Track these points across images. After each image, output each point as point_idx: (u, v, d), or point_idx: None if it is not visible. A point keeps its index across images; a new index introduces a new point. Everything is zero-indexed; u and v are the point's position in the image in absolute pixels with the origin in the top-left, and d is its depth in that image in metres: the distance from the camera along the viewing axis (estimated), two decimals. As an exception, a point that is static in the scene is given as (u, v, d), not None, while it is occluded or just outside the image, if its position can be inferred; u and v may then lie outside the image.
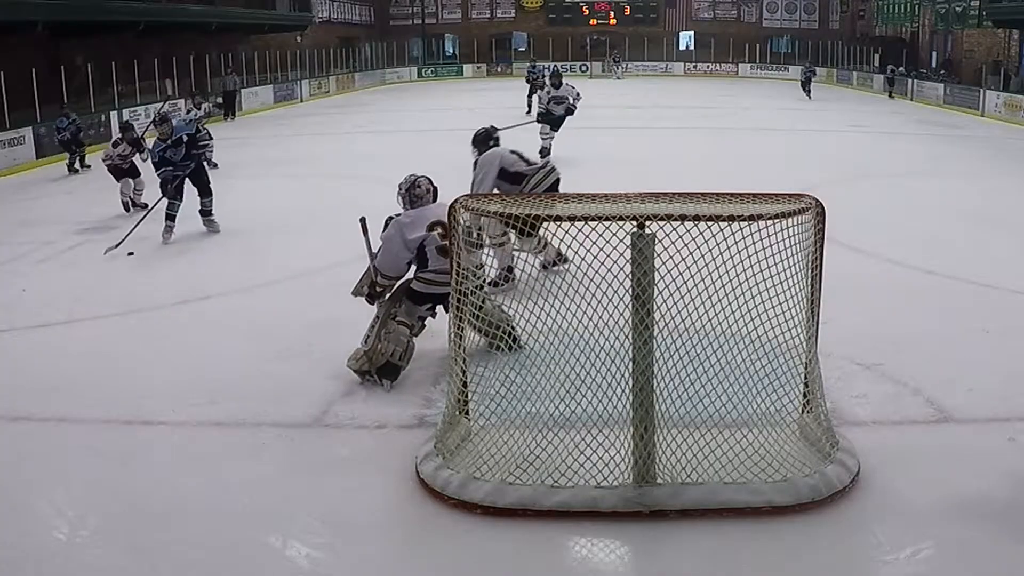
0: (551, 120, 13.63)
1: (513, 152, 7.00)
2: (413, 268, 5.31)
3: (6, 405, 4.94)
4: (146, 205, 9.88)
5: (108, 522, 3.82)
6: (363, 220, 5.31)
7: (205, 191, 9.38)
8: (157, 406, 4.87)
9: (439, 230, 5.15)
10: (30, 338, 6.18)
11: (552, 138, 13.47)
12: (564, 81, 13.94)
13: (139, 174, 10.84)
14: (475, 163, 7.06)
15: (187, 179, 9.17)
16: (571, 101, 13.56)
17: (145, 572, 3.45)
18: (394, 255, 5.21)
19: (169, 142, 8.95)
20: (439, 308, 5.34)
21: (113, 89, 18.95)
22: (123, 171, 10.84)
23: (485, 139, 7.18)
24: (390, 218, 5.46)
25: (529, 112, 20.13)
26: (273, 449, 4.41)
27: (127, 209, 10.52)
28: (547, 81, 13.78)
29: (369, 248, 5.36)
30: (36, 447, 4.47)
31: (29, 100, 16.12)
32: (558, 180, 6.97)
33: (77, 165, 14.42)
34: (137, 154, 10.85)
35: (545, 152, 12.71)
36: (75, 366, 5.54)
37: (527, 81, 22.70)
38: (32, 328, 6.34)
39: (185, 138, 9.17)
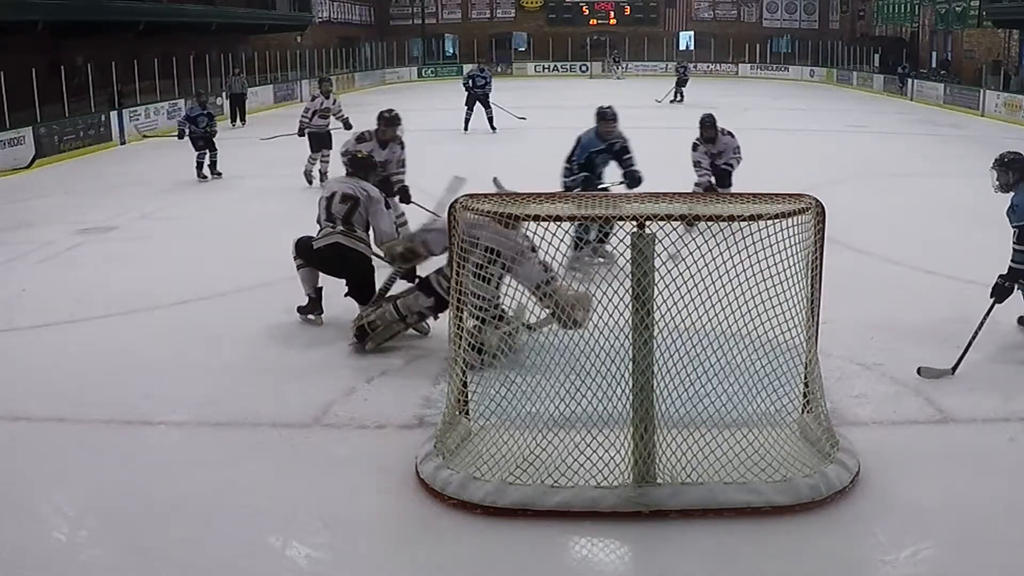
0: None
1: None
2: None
3: (6, 405, 4.94)
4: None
5: (108, 522, 3.82)
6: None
7: None
8: (157, 406, 4.87)
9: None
10: (30, 338, 6.17)
11: None
12: (720, 130, 9.35)
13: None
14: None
15: None
16: (730, 160, 9.29)
17: (145, 572, 3.45)
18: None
19: None
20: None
21: (113, 89, 18.93)
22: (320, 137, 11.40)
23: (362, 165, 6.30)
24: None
25: (466, 131, 16.99)
26: (273, 449, 4.41)
27: (311, 180, 11.37)
28: (700, 136, 9.37)
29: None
30: (36, 447, 4.47)
31: (29, 100, 16.08)
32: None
33: (207, 171, 12.59)
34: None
35: None
36: (75, 366, 5.53)
37: (466, 88, 17.77)
38: (32, 328, 6.34)
39: None
